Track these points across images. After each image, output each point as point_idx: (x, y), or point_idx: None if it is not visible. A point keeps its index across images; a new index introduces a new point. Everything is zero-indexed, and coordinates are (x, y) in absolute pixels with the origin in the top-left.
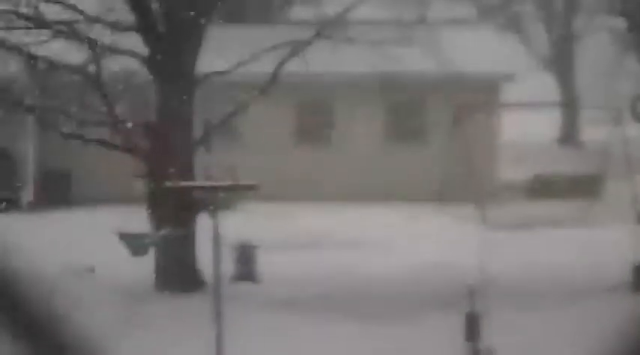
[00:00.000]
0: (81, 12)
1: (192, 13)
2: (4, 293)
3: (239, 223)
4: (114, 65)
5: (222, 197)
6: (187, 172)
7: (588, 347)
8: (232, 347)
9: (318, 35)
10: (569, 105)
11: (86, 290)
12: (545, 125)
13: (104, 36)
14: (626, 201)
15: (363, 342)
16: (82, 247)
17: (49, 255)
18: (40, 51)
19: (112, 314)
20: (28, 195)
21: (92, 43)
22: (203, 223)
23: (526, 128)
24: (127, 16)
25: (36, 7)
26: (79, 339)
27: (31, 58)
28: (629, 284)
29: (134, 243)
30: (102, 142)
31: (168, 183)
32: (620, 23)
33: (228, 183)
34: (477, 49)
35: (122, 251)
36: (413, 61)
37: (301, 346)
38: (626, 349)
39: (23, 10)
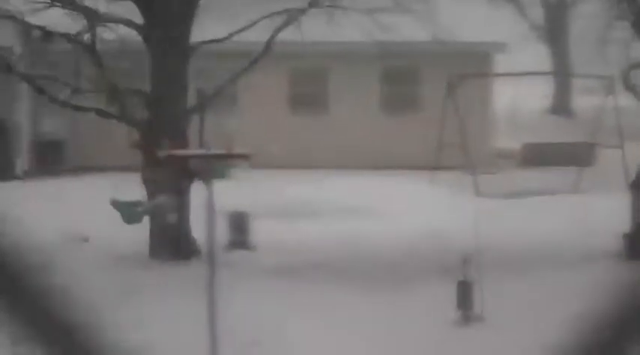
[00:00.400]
0: None
1: None
2: (2, 263)
3: (233, 191)
4: (109, 34)
5: (217, 165)
6: (181, 141)
7: (579, 313)
8: (226, 314)
9: (314, 3)
10: (562, 75)
11: (80, 258)
12: (537, 94)
13: (99, 4)
14: (617, 169)
15: (356, 309)
16: (76, 215)
17: (43, 223)
18: (35, 19)
19: (106, 283)
20: (22, 163)
21: (87, 12)
22: (197, 192)
23: (519, 97)
24: None
25: None
26: (77, 309)
27: (27, 27)
28: (619, 251)
29: (128, 211)
30: (97, 111)
31: (163, 152)
32: None
33: (222, 151)
34: (472, 19)
35: (116, 219)
36: (408, 29)
37: (295, 312)
38: (617, 314)
39: None
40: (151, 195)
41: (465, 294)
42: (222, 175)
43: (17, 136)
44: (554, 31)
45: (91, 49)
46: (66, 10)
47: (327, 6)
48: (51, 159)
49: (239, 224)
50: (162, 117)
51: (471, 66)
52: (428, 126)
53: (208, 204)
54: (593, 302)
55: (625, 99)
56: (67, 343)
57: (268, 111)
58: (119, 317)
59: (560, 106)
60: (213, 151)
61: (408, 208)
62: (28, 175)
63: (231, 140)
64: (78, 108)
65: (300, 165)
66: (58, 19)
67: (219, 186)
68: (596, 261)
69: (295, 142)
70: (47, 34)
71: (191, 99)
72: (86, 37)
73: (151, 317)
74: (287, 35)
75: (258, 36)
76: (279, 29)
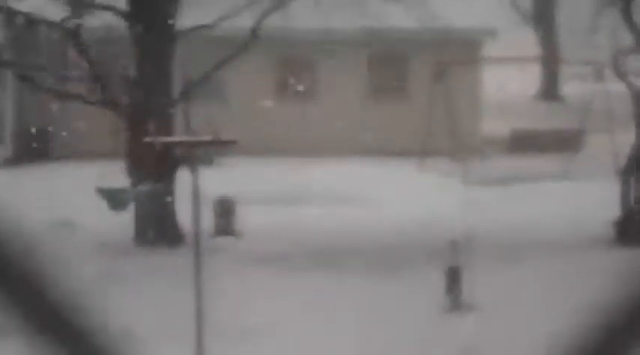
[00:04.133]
0: None
1: None
2: None
3: (219, 178)
4: (94, 20)
5: (203, 152)
6: (167, 127)
7: (569, 300)
8: (212, 301)
9: None
10: (550, 61)
11: (65, 245)
12: (526, 80)
13: None
14: (606, 155)
15: (343, 295)
16: (61, 203)
17: (27, 210)
18: (20, 6)
19: (91, 269)
20: (6, 151)
21: None
22: (183, 178)
23: (507, 83)
24: None
25: None
26: (65, 296)
27: (11, 13)
28: (609, 237)
29: (113, 198)
30: (81, 98)
31: (148, 139)
32: None
33: (208, 138)
34: (460, 5)
35: (101, 206)
36: (396, 16)
37: (280, 298)
38: (607, 301)
39: None
40: (136, 181)
41: (453, 280)
42: (207, 162)
43: (1, 123)
44: (543, 17)
45: (76, 35)
46: None
47: None
48: (35, 147)
49: (224, 210)
50: (147, 103)
51: (459, 52)
52: (416, 112)
53: (194, 191)
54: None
55: (614, 85)
56: (58, 328)
57: (255, 98)
58: (102, 302)
59: (549, 92)
60: (199, 138)
61: (397, 195)
62: (10, 163)
63: (217, 127)
64: (63, 96)
65: (287, 152)
66: (43, 6)
67: (205, 172)
68: (586, 248)
69: (282, 129)
70: (31, 21)
71: (177, 85)
72: (71, 23)
73: (135, 304)
74: (274, 22)
75: (245, 22)
76: (264, 15)
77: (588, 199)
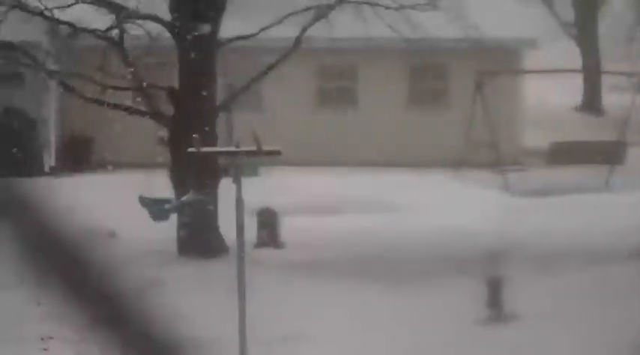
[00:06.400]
0: None
1: None
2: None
3: (262, 189)
4: (137, 29)
5: (245, 162)
6: (210, 137)
7: (612, 312)
8: (255, 311)
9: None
10: (591, 72)
11: (107, 254)
12: (566, 91)
13: (128, 0)
14: None
15: (385, 306)
16: (104, 212)
17: (70, 219)
18: (63, 15)
19: (134, 278)
20: (50, 159)
21: (115, 7)
22: (225, 189)
23: (547, 94)
24: None
25: None
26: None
27: (54, 23)
28: None
29: (155, 208)
30: (125, 107)
31: (191, 149)
32: None
33: (250, 148)
34: (501, 15)
35: (144, 216)
36: (437, 26)
37: (322, 309)
38: None
39: None
40: (179, 192)
41: (495, 292)
42: (251, 172)
43: (45, 133)
44: (584, 28)
45: (119, 45)
46: (94, 6)
47: (356, 2)
48: (79, 155)
49: (268, 221)
50: (190, 113)
51: (500, 62)
52: (456, 122)
53: (237, 201)
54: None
55: None
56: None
57: (296, 107)
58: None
59: (590, 104)
60: (243, 148)
61: (436, 205)
62: (55, 172)
63: (259, 136)
64: (106, 105)
65: (328, 161)
66: (86, 15)
67: (248, 182)
68: (628, 259)
69: (323, 138)
70: (75, 30)
71: (219, 95)
72: (114, 33)
73: (180, 313)
74: (316, 31)
75: (286, 32)
76: (309, 25)
77: (629, 211)
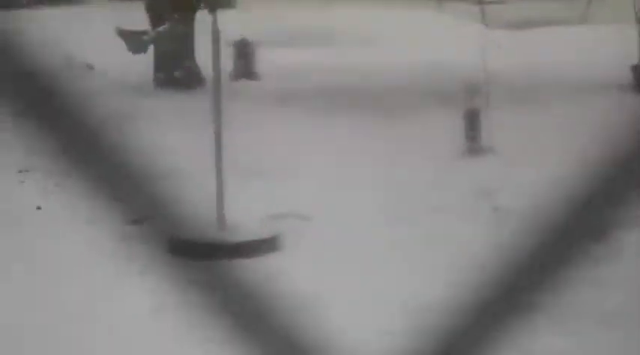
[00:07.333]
0: None
1: None
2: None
3: (238, 20)
4: None
5: None
6: None
7: (588, 139)
8: (231, 138)
9: None
10: None
11: (85, 85)
12: None
13: None
14: (626, 0)
15: (359, 137)
16: (81, 44)
17: (48, 50)
18: None
19: (110, 108)
20: None
21: None
22: (202, 20)
23: None
24: None
25: None
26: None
27: None
28: (627, 83)
29: (133, 40)
30: None
31: None
32: None
33: None
34: None
35: (122, 50)
36: None
37: (299, 140)
38: (625, 140)
39: None
40: (156, 23)
41: (472, 124)
42: (227, 3)
43: None
44: None
45: None
46: None
47: None
48: None
49: (244, 52)
50: None
51: None
52: None
53: (213, 33)
54: (603, 128)
55: None
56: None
57: None
58: (126, 133)
59: None
60: None
61: (414, 38)
62: (31, 3)
63: None
64: None
65: None
66: None
67: (225, 14)
68: (605, 92)
69: None
70: None
71: None
72: None
73: (156, 144)
74: None
75: None
76: None
77: (607, 44)
